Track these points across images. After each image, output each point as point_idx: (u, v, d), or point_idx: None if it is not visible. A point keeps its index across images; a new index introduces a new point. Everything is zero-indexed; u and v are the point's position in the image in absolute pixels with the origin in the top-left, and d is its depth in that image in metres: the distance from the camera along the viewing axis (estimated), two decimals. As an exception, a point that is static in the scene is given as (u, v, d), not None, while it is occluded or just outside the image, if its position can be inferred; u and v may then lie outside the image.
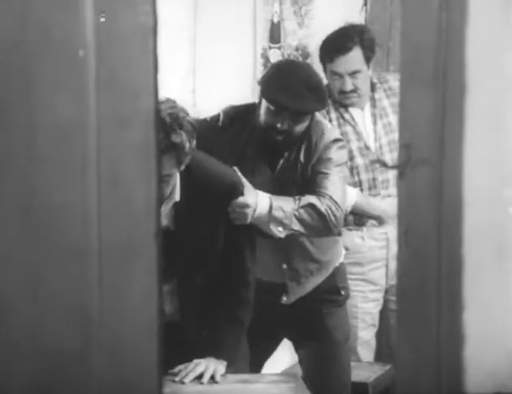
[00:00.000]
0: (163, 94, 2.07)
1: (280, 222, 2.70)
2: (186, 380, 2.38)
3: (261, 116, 2.80)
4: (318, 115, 2.93)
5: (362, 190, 3.34)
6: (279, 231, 2.71)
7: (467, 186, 1.50)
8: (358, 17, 4.10)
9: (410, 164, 1.50)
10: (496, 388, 1.53)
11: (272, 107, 2.75)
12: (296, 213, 2.72)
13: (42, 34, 1.42)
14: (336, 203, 2.76)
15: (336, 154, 2.85)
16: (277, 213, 2.69)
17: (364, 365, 3.39)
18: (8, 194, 1.44)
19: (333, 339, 2.98)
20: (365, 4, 4.18)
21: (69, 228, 1.44)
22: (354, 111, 3.33)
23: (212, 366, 2.43)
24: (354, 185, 3.31)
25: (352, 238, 3.38)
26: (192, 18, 3.81)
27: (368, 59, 3.28)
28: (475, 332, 1.52)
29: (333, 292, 3.01)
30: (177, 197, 2.52)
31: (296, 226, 2.72)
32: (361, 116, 3.35)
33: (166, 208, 2.50)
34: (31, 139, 1.44)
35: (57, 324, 1.45)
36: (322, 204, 2.73)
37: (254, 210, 2.65)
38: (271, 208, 2.69)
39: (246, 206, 2.62)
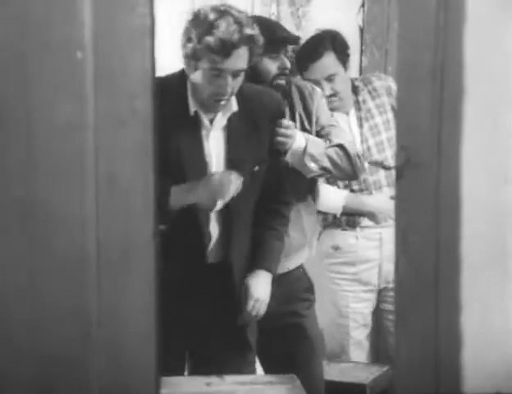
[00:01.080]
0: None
1: (314, 158, 2.78)
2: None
3: (261, 70, 2.83)
4: None
5: (353, 191, 3.35)
6: (312, 167, 2.79)
7: (465, 187, 1.50)
8: (355, 19, 4.10)
9: (408, 165, 1.50)
10: (495, 389, 1.53)
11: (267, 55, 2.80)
12: (327, 151, 2.82)
13: (40, 36, 1.42)
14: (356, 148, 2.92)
15: (329, 108, 3.04)
16: (312, 149, 2.77)
17: (362, 366, 3.38)
18: (6, 195, 1.44)
19: (312, 344, 2.92)
20: (363, 5, 4.17)
21: (67, 229, 1.43)
22: (338, 116, 3.34)
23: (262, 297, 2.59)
24: (345, 187, 3.33)
25: (345, 238, 3.39)
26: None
27: (343, 62, 3.32)
28: (473, 334, 1.52)
29: (309, 290, 2.98)
30: (235, 106, 2.56)
31: (327, 164, 2.82)
32: (346, 120, 3.36)
33: (222, 118, 2.54)
34: (29, 141, 1.43)
35: (56, 327, 1.45)
36: (349, 146, 2.85)
37: (293, 141, 2.72)
38: (306, 143, 2.76)
39: (290, 127, 2.68)
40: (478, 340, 1.53)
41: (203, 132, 2.56)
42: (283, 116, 2.70)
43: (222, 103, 2.49)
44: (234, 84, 2.46)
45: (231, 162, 2.55)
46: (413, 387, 1.55)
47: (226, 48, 2.39)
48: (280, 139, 2.67)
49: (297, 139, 2.74)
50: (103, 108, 1.43)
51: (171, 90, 2.51)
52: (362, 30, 4.15)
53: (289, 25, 4.06)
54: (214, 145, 2.57)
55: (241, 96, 2.56)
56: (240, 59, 2.43)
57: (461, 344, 1.51)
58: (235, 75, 2.44)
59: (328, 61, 3.28)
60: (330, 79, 3.29)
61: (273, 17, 4.10)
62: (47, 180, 1.43)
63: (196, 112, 2.55)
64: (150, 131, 1.43)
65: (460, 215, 1.49)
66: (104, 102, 1.42)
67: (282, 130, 2.67)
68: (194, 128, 2.56)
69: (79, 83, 1.42)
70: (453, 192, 1.50)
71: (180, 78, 2.57)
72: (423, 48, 1.47)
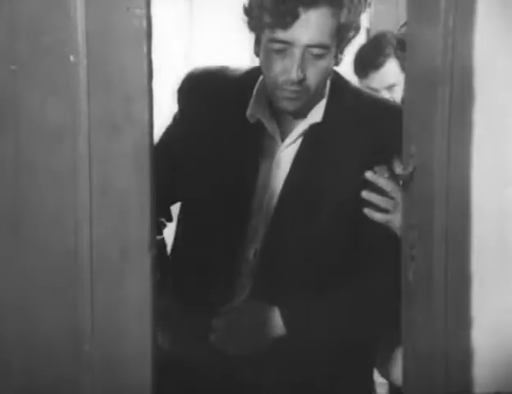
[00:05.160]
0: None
1: None
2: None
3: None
4: None
5: None
6: None
7: (475, 197, 1.44)
8: (361, 20, 4.05)
9: (416, 174, 1.46)
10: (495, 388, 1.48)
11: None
12: None
13: (31, 39, 1.36)
14: None
15: None
16: None
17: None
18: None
19: None
20: (369, 6, 4.13)
21: (58, 240, 1.38)
22: None
23: None
24: None
25: None
26: (188, 20, 3.78)
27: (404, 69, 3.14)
28: (483, 347, 1.46)
29: None
30: (317, 115, 1.83)
31: None
32: None
33: (297, 130, 1.84)
34: (20, 147, 1.38)
35: (47, 341, 1.40)
36: None
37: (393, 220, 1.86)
38: None
39: (392, 191, 1.81)
40: (489, 353, 1.48)
41: (267, 148, 1.86)
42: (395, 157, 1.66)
43: (293, 96, 1.75)
44: (310, 70, 1.73)
45: (287, 196, 1.83)
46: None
47: (286, 7, 1.65)
48: (371, 200, 1.80)
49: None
50: (97, 113, 1.37)
51: (234, 90, 1.89)
52: (369, 32, 4.10)
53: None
54: (283, 168, 1.86)
55: (339, 102, 1.83)
56: (315, 27, 1.69)
57: (471, 358, 1.46)
58: (310, 53, 1.71)
59: (390, 70, 3.04)
60: (390, 88, 3.04)
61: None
62: (37, 189, 1.38)
63: (259, 120, 1.85)
64: (147, 137, 1.38)
65: (470, 225, 1.44)
66: (98, 107, 1.37)
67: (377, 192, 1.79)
68: (251, 142, 1.86)
69: (72, 87, 1.36)
70: (462, 200, 1.45)
71: (253, 72, 1.90)
72: (432, 51, 1.42)
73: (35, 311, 1.40)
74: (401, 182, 1.48)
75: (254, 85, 1.89)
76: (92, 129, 1.38)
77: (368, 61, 3.09)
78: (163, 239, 2.26)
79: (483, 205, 1.45)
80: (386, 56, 3.06)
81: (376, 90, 3.06)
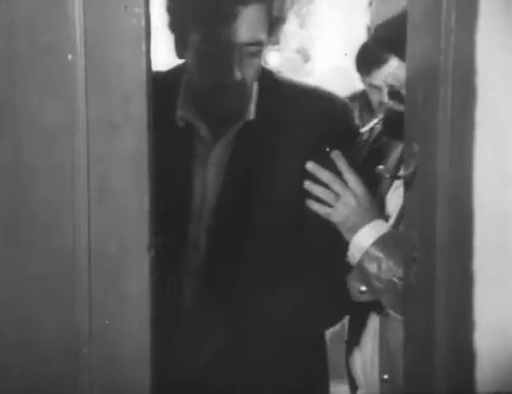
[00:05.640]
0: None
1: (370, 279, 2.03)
2: None
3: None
4: None
5: None
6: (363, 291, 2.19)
7: (477, 196, 1.42)
8: (363, 18, 4.05)
9: (417, 174, 1.44)
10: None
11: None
12: None
13: (29, 38, 1.35)
14: None
15: None
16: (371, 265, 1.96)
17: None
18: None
19: None
20: (370, 4, 4.12)
21: (55, 241, 1.37)
22: None
23: None
24: None
25: None
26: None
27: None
28: (485, 347, 1.45)
29: None
30: (250, 112, 1.77)
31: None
32: None
33: (230, 131, 1.77)
34: (17, 147, 1.37)
35: (45, 343, 1.39)
36: None
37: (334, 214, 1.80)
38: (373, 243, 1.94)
39: (333, 182, 1.77)
40: (492, 356, 1.46)
41: (200, 152, 1.79)
42: (352, 131, 1.82)
43: (232, 97, 1.70)
44: (246, 69, 1.67)
45: (225, 199, 1.75)
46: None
47: (225, 8, 1.60)
48: (313, 191, 1.76)
49: (341, 214, 1.76)
50: (95, 112, 1.36)
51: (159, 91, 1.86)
52: (369, 30, 4.09)
53: (292, 24, 4.01)
54: (218, 171, 1.80)
55: (269, 96, 1.76)
56: (252, 25, 1.63)
57: (474, 362, 1.44)
58: (246, 51, 1.66)
59: (394, 66, 2.95)
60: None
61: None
62: (35, 188, 1.37)
63: (188, 123, 1.76)
64: (145, 137, 1.36)
65: (473, 227, 1.42)
66: (96, 106, 1.36)
67: (322, 179, 1.75)
68: (182, 147, 1.77)
69: (69, 87, 1.35)
70: (465, 201, 1.43)
71: (177, 72, 1.81)
72: (434, 51, 1.40)
73: (33, 313, 1.39)
74: (404, 182, 1.47)
75: (177, 87, 1.81)
76: (90, 128, 1.36)
77: (371, 59, 3.06)
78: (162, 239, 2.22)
79: (485, 205, 1.43)
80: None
81: (379, 88, 3.04)
